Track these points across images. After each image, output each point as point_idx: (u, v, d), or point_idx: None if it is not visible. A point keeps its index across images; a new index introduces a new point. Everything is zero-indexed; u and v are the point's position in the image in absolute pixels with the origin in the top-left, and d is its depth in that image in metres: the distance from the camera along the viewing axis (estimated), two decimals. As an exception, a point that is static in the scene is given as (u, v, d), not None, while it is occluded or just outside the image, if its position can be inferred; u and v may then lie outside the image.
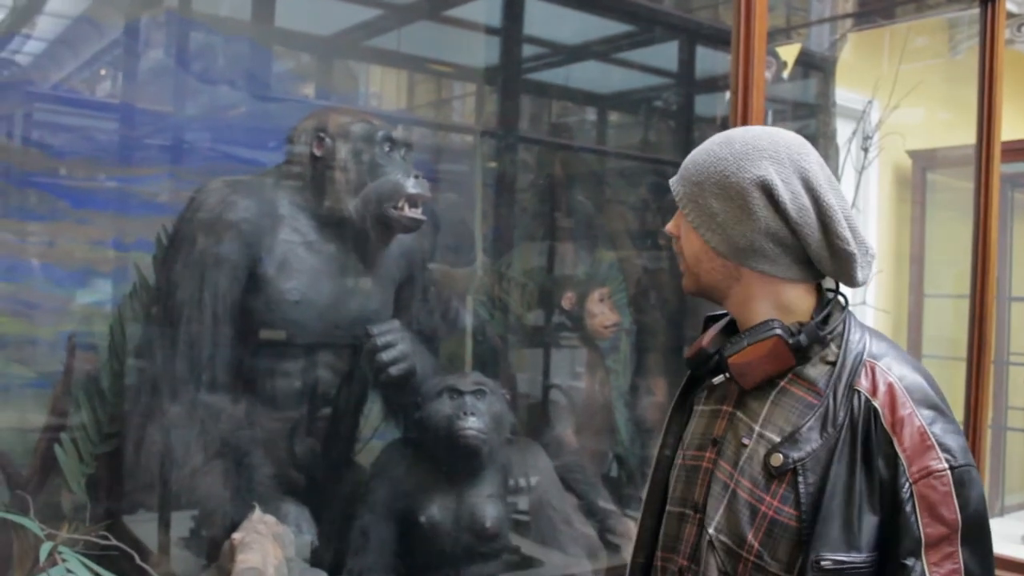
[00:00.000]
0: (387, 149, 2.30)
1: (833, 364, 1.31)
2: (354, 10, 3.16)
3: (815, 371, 1.32)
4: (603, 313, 2.93)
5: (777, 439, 1.28)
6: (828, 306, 1.36)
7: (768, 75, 2.82)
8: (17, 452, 2.31)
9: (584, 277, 3.17)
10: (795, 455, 1.26)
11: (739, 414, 1.34)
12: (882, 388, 1.27)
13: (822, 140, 2.92)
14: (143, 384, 2.20)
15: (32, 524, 2.02)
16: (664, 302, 3.22)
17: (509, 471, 2.39)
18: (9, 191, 2.44)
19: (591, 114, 3.87)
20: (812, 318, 1.35)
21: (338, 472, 2.46)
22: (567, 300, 2.96)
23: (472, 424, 2.26)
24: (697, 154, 1.34)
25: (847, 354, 1.32)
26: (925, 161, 4.32)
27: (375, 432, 2.63)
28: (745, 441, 1.31)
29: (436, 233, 3.03)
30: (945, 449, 1.22)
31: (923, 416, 1.24)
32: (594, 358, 3.05)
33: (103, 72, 2.65)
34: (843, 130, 3.28)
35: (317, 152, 2.29)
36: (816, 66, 3.06)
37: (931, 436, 1.23)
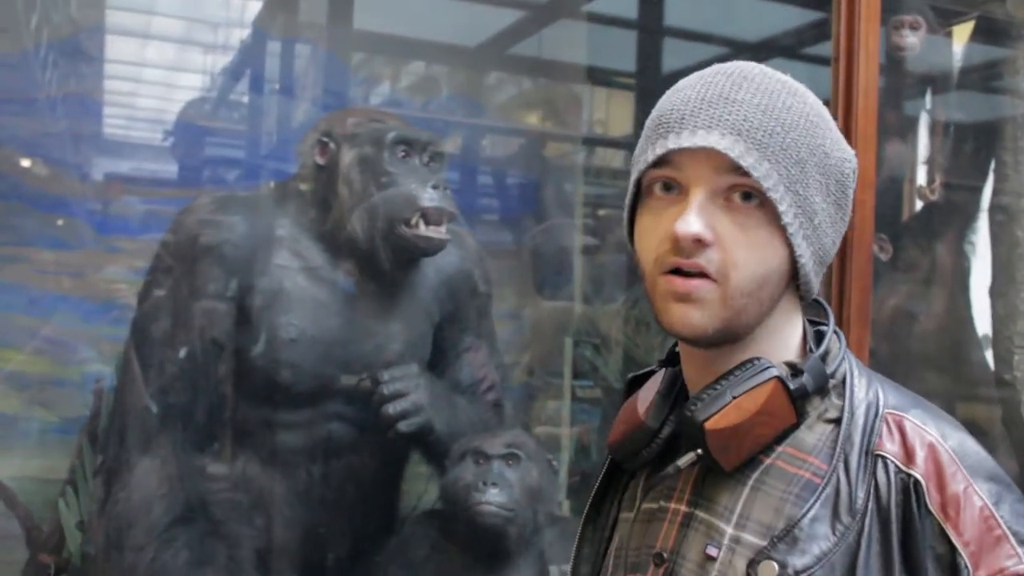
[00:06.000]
0: (401, 154, 1.88)
1: (836, 422, 0.87)
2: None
3: (812, 435, 0.88)
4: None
5: (764, 543, 0.83)
6: (827, 338, 0.89)
7: (915, 39, 2.14)
8: (37, 504, 2.11)
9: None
10: (797, 562, 0.82)
11: (699, 513, 0.88)
12: (920, 452, 0.85)
13: (1009, 127, 2.19)
14: (112, 433, 1.90)
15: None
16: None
17: (549, 560, 1.86)
18: (32, 216, 2.26)
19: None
20: (806, 354, 0.88)
21: (366, 546, 2.04)
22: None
23: (493, 497, 1.76)
24: (768, 110, 0.82)
25: (855, 406, 0.87)
26: None
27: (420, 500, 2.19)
28: (712, 552, 0.86)
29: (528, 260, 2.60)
30: (1022, 541, 0.83)
31: (985, 492, 0.84)
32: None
33: (140, 87, 2.45)
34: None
35: (320, 160, 1.91)
36: (998, 31, 2.32)
37: (1000, 522, 0.83)
